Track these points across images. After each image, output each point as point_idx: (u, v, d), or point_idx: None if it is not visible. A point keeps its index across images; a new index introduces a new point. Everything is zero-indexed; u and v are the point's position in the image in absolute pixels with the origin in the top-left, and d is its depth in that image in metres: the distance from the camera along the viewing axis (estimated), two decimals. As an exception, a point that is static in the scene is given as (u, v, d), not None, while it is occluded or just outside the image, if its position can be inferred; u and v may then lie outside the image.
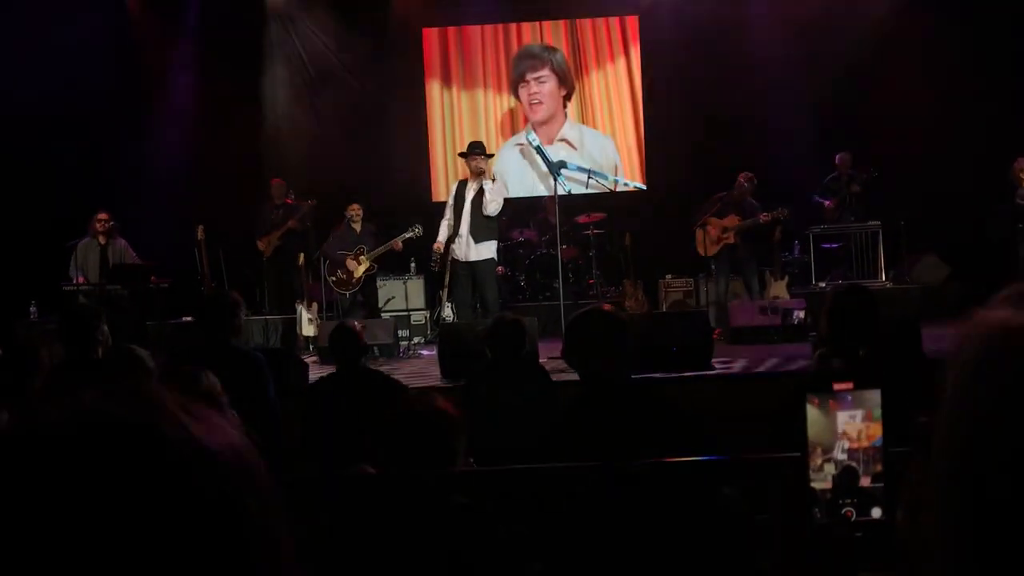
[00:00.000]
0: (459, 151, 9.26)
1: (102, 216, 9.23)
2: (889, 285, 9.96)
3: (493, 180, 8.27)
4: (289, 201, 10.16)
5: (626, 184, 11.59)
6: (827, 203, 10.26)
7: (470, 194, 8.19)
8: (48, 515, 0.53)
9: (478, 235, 8.13)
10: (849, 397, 0.95)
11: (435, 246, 8.42)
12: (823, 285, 9.89)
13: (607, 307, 3.08)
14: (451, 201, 8.42)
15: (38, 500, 0.54)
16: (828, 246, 10.28)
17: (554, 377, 4.77)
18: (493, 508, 2.45)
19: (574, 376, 3.06)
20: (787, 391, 3.94)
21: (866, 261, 10.11)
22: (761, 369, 6.82)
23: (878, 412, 0.97)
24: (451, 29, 11.91)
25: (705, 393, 6.11)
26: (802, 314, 8.16)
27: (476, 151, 8.27)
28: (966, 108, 10.19)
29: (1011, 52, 10.16)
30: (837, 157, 10.25)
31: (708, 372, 6.64)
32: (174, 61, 11.33)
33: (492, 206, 8.08)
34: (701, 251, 9.21)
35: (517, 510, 2.54)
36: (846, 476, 0.96)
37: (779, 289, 9.36)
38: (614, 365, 2.76)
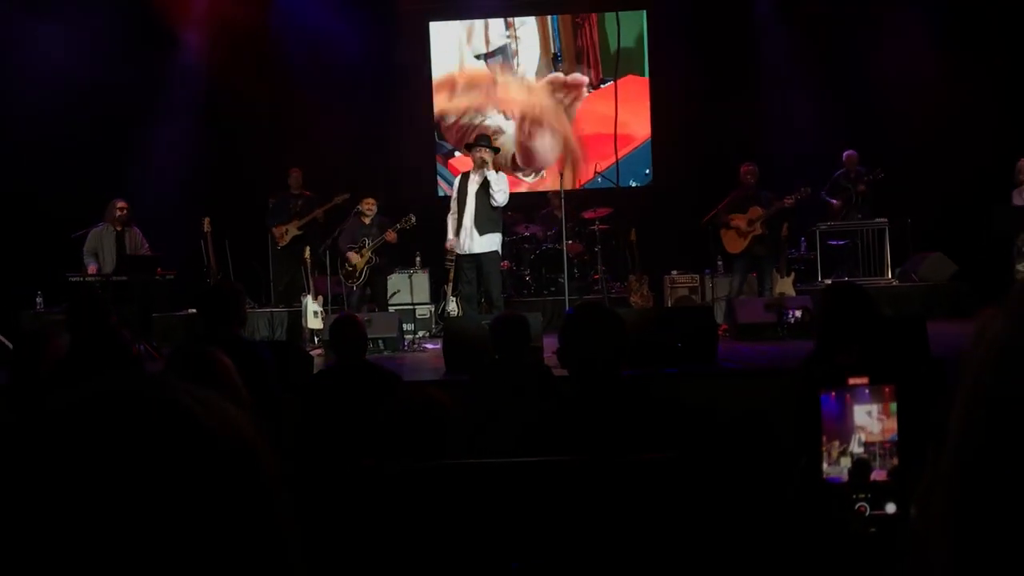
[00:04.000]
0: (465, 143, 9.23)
1: (121, 204, 9.22)
2: (895, 283, 9.94)
3: (497, 171, 8.24)
4: (308, 193, 10.13)
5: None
6: (834, 202, 10.24)
7: (473, 186, 8.16)
8: (74, 478, 0.59)
9: (482, 227, 8.11)
10: (866, 391, 0.94)
11: (447, 244, 8.39)
12: (828, 282, 9.88)
13: (599, 301, 3.04)
14: (455, 195, 8.40)
15: (68, 467, 0.60)
16: (835, 243, 10.26)
17: (557, 373, 4.75)
18: (484, 503, 2.44)
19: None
20: (791, 386, 3.93)
21: (872, 259, 10.09)
22: (765, 364, 6.80)
23: (894, 407, 0.96)
24: (456, 23, 11.91)
25: (710, 388, 6.10)
26: (799, 313, 8.13)
27: (481, 143, 8.26)
28: (974, 107, 10.15)
29: (1018, 51, 10.11)
30: (844, 154, 10.23)
31: (713, 367, 6.62)
32: (185, 51, 11.32)
33: (500, 196, 8.05)
34: (730, 249, 9.17)
35: (505, 506, 2.52)
36: (858, 470, 0.95)
37: (785, 286, 9.33)
38: (606, 359, 2.72)
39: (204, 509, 0.60)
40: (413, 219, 8.94)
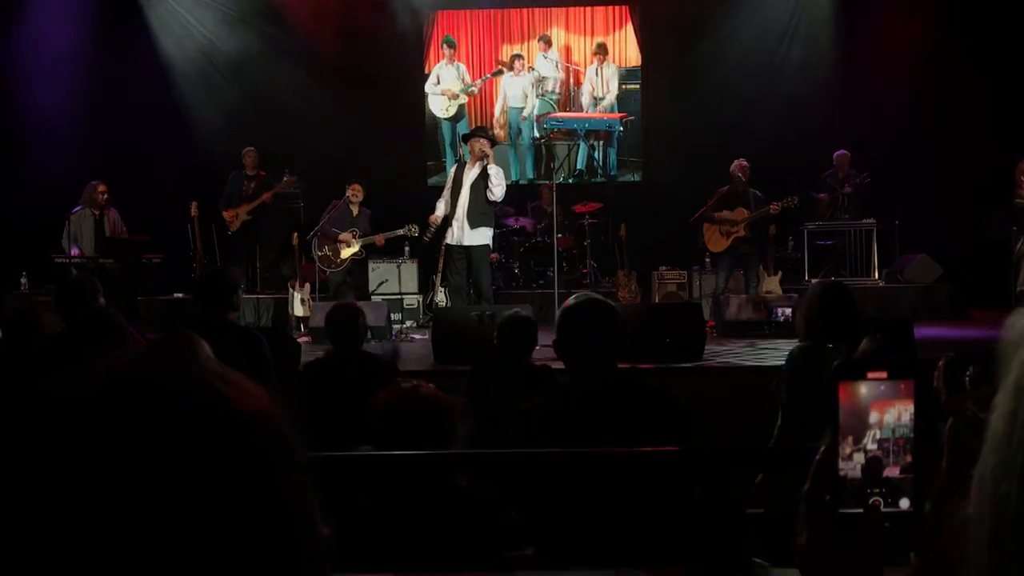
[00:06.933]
0: (463, 134, 9.19)
1: (102, 188, 9.16)
2: (882, 284, 10.00)
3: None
4: (263, 173, 10.00)
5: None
6: (822, 196, 10.27)
7: (469, 178, 8.13)
8: (102, 462, 0.58)
9: (474, 220, 8.09)
10: (882, 387, 0.94)
11: (431, 218, 8.35)
12: (815, 281, 9.91)
13: (597, 295, 3.00)
14: (449, 183, 8.37)
15: (94, 450, 0.58)
16: (822, 243, 10.30)
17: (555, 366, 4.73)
18: (488, 492, 2.45)
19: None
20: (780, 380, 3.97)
21: (859, 259, 10.14)
22: (752, 363, 6.85)
23: (910, 403, 0.97)
24: (452, 13, 11.89)
25: (697, 385, 6.13)
26: (788, 311, 8.18)
27: (479, 134, 8.23)
28: (963, 109, 10.19)
29: (1010, 53, 10.16)
30: (836, 154, 10.23)
31: (700, 363, 6.65)
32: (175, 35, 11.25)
33: (498, 190, 8.03)
34: (711, 247, 9.16)
35: (510, 495, 2.53)
36: (871, 466, 0.95)
37: (772, 284, 9.37)
38: (605, 354, 2.71)
39: (236, 493, 0.60)
40: (416, 229, 8.89)
